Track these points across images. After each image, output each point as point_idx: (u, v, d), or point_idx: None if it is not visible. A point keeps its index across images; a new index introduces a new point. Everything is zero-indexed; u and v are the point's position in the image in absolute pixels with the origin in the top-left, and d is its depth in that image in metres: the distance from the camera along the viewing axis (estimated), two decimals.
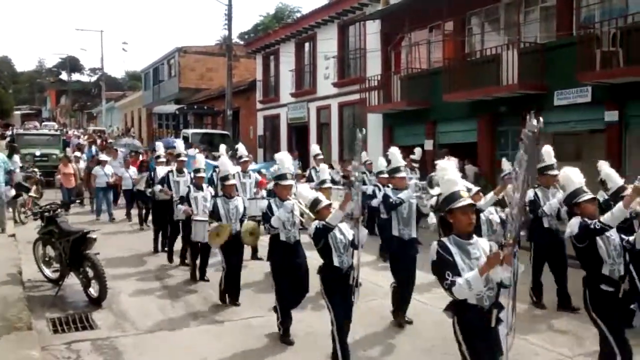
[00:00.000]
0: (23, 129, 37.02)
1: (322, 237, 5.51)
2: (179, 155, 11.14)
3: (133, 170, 15.56)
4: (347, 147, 22.56)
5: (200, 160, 9.75)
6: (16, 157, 14.96)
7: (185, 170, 10.77)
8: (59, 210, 8.83)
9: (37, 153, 22.48)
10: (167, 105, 36.09)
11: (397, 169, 7.31)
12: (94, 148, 23.89)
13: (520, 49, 14.12)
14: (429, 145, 17.78)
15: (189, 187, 9.32)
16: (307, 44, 25.16)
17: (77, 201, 15.44)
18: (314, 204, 5.85)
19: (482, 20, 16.81)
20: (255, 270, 9.57)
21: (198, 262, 9.25)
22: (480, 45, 16.46)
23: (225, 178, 8.16)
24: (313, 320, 7.01)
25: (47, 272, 8.80)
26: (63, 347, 6.23)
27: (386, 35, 19.70)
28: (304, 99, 24.85)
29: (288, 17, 42.10)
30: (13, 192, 12.09)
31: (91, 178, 15.78)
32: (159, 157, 12.54)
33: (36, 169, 18.59)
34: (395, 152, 7.47)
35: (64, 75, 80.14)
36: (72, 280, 8.26)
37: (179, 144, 12.10)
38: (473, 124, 16.43)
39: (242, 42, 38.43)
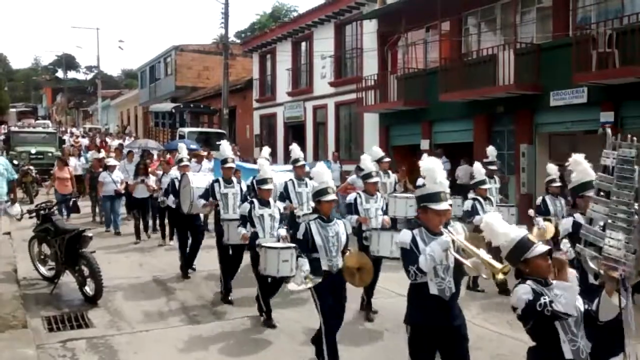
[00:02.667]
0: (18, 127, 36.91)
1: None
2: (225, 161, 8.53)
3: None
4: (344, 146, 22.59)
5: (265, 166, 7.61)
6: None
7: (234, 179, 8.65)
8: (57, 215, 8.76)
9: (33, 151, 22.43)
10: (164, 103, 36.04)
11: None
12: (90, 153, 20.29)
13: (517, 49, 14.15)
14: (425, 145, 17.81)
15: (252, 202, 7.17)
16: (303, 43, 25.15)
17: (74, 198, 13.87)
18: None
19: (479, 20, 16.84)
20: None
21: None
22: (476, 46, 16.48)
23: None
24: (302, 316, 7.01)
25: (43, 270, 8.79)
26: (58, 345, 6.23)
27: (383, 35, 19.71)
28: (301, 98, 24.84)
29: (285, 16, 42.06)
30: (17, 209, 9.14)
31: (98, 185, 13.72)
32: (181, 160, 10.31)
33: (32, 167, 18.60)
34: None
35: (59, 73, 79.88)
36: (68, 279, 8.25)
37: (226, 148, 8.88)
38: (469, 124, 16.47)
39: (238, 41, 38.43)
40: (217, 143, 22.62)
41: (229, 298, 8.04)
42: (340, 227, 5.78)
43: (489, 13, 16.42)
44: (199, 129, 27.60)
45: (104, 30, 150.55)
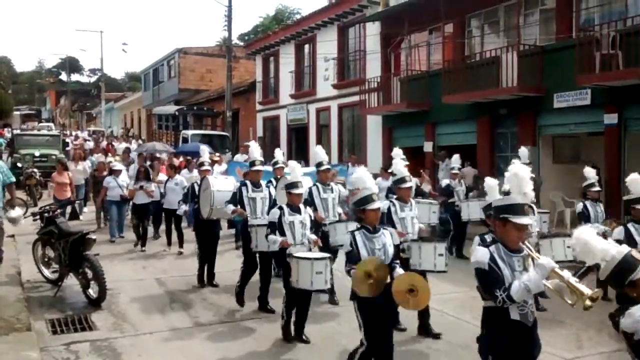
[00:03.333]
0: (20, 130, 37.05)
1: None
2: (253, 163, 8.05)
3: (161, 178, 12.67)
4: (347, 148, 22.59)
5: (296, 169, 6.98)
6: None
7: (262, 183, 8.13)
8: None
9: (37, 153, 22.46)
10: (167, 106, 36.12)
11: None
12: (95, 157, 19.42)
13: (520, 51, 14.14)
14: (428, 147, 17.81)
15: (281, 208, 6.64)
16: (306, 46, 25.18)
17: (78, 202, 14.01)
18: None
19: (482, 22, 16.83)
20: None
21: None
22: (479, 48, 16.47)
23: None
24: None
25: (46, 272, 8.80)
26: (62, 348, 6.22)
27: (386, 37, 19.72)
28: (304, 101, 24.86)
29: (288, 18, 42.10)
30: (17, 212, 8.56)
31: (102, 190, 12.98)
32: (202, 164, 9.82)
33: (36, 170, 18.62)
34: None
35: (63, 76, 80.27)
36: (72, 281, 8.25)
37: (254, 149, 8.35)
38: (472, 126, 16.45)
39: (242, 44, 38.46)
40: (225, 150, 22.56)
41: (243, 301, 7.75)
42: (387, 238, 5.15)
43: (492, 15, 16.42)
44: (202, 132, 27.69)
45: (108, 33, 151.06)
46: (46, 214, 8.70)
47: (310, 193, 8.05)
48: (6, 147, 26.14)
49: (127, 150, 20.77)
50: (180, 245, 11.48)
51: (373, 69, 20.16)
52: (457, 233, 11.49)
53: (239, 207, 7.82)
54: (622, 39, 11.96)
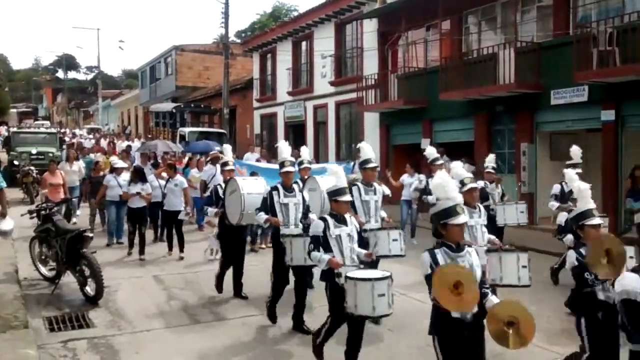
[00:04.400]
0: (17, 128, 36.94)
1: None
2: (282, 164, 7.19)
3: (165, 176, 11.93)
4: (344, 146, 22.59)
5: (339, 172, 5.75)
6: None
7: (295, 187, 7.24)
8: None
9: (34, 151, 22.41)
10: (164, 103, 36.07)
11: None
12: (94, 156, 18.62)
13: (517, 48, 14.15)
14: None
15: (325, 219, 5.56)
16: (304, 43, 25.15)
17: (74, 199, 13.37)
18: None
19: (479, 19, 16.83)
20: (252, 268, 9.56)
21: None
22: (477, 44, 16.48)
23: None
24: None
25: (44, 270, 8.79)
26: (59, 345, 6.22)
27: (383, 34, 19.72)
28: (301, 98, 24.84)
29: (285, 15, 42.06)
30: (9, 224, 7.50)
31: (101, 188, 12.16)
32: (226, 163, 8.74)
33: (32, 167, 18.58)
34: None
35: (60, 74, 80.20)
36: (69, 279, 8.25)
37: (284, 148, 7.46)
38: (470, 122, 16.46)
39: (239, 41, 38.44)
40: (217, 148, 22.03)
41: (275, 318, 7.03)
42: (474, 258, 4.30)
43: (490, 12, 16.42)
44: (200, 129, 27.64)
45: (105, 30, 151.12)
46: (43, 212, 8.69)
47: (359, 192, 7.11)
48: (3, 145, 26.06)
49: (128, 149, 20.13)
50: (181, 249, 10.95)
51: (370, 66, 20.15)
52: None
53: (269, 214, 6.99)
54: (619, 35, 11.97)
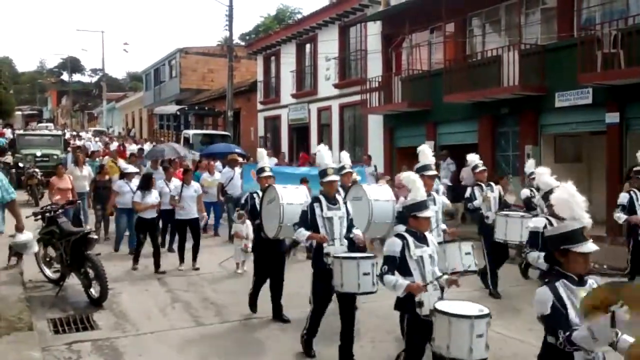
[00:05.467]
0: (23, 130, 37.07)
1: None
2: (325, 172, 6.12)
3: (176, 184, 10.96)
4: (348, 148, 22.57)
5: (417, 182, 4.95)
6: None
7: (338, 197, 6.27)
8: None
9: (38, 154, 22.49)
10: (168, 106, 36.15)
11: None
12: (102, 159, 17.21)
13: (521, 50, 14.13)
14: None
15: (403, 236, 4.75)
16: (308, 45, 25.17)
17: (79, 201, 12.12)
18: None
19: (483, 21, 16.82)
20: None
21: None
22: (481, 47, 16.47)
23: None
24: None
25: (48, 272, 8.81)
26: (64, 347, 6.24)
27: (387, 37, 19.72)
28: (305, 100, 24.85)
29: (289, 18, 42.13)
30: (26, 236, 6.91)
31: (112, 196, 11.45)
32: (263, 169, 7.52)
33: (37, 169, 18.64)
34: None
35: (65, 76, 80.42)
36: (73, 281, 8.27)
37: (324, 154, 6.39)
38: (474, 125, 16.44)
39: (243, 43, 38.51)
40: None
41: (313, 353, 6.09)
42: None
43: (494, 14, 16.41)
44: (204, 131, 27.70)
45: (109, 33, 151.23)
46: (47, 214, 8.71)
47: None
48: (8, 147, 26.15)
49: (140, 152, 19.06)
50: (194, 258, 10.21)
51: (374, 69, 20.15)
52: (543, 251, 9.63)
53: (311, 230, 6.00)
54: (623, 37, 11.94)
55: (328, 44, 22.81)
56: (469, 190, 8.95)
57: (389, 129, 19.85)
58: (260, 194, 7.30)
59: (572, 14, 14.01)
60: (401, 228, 5.19)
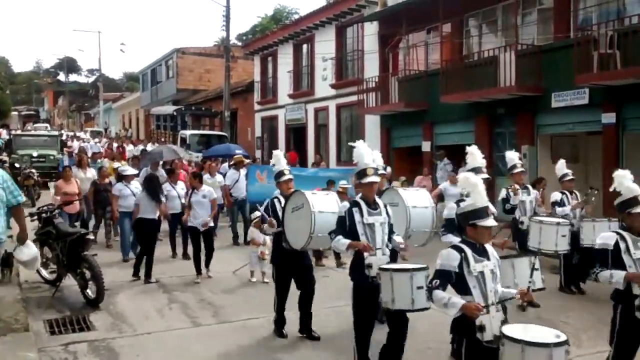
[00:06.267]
0: (21, 131, 36.94)
1: None
2: (364, 173, 5.47)
3: (181, 187, 11.04)
4: (345, 148, 22.58)
5: (479, 185, 4.31)
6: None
7: (379, 202, 5.60)
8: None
9: (35, 154, 22.43)
10: (165, 106, 36.09)
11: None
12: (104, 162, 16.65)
13: (518, 51, 14.15)
14: (426, 147, 17.81)
15: (460, 250, 4.14)
16: (305, 46, 25.18)
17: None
18: None
19: (480, 22, 16.85)
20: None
21: None
22: (477, 47, 16.49)
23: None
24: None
25: (45, 273, 8.77)
26: (60, 348, 6.21)
27: (384, 37, 19.73)
28: (302, 100, 24.86)
29: (286, 18, 42.06)
30: (31, 250, 6.43)
31: (113, 200, 10.93)
32: (282, 173, 6.75)
33: (33, 170, 18.60)
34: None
35: (61, 76, 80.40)
36: (70, 282, 8.24)
37: (364, 152, 5.59)
38: (470, 125, 16.46)
39: (240, 44, 38.41)
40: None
41: None
42: None
43: (490, 15, 16.43)
44: (201, 132, 27.71)
45: (106, 33, 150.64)
46: (44, 215, 8.69)
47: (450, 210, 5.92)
48: (5, 148, 26.12)
49: (144, 153, 18.60)
50: (207, 265, 9.66)
51: (371, 69, 20.17)
52: (579, 261, 8.50)
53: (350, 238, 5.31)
54: (619, 38, 11.98)
55: (325, 44, 22.82)
56: (503, 191, 8.50)
57: (386, 129, 19.86)
58: (282, 199, 6.59)
59: (568, 14, 14.04)
60: (451, 238, 4.86)
